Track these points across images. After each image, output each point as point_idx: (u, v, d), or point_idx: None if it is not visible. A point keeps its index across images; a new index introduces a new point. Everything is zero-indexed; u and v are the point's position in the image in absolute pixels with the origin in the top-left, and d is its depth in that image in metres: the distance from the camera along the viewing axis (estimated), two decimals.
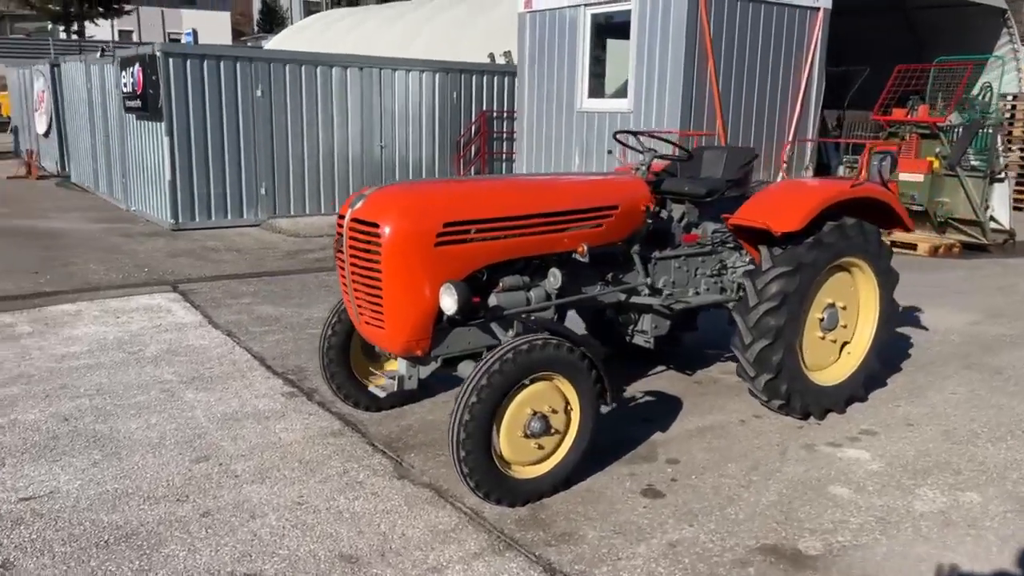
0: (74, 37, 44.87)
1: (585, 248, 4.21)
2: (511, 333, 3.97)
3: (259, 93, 11.47)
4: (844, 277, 4.90)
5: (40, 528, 3.46)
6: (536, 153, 12.36)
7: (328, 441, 4.43)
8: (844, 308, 4.91)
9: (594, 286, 4.62)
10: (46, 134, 17.94)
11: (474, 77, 13.60)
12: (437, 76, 13.16)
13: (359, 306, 3.95)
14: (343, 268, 3.97)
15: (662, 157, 5.01)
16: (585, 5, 11.23)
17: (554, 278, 4.24)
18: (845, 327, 4.96)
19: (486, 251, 3.94)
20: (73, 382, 5.26)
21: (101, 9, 47.31)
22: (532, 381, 3.68)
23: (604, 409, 4.14)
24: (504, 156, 13.91)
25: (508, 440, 3.65)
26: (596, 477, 4.05)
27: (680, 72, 10.01)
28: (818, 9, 11.06)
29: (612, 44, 11.85)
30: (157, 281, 8.23)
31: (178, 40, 52.86)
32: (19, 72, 20.36)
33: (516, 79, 12.66)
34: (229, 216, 11.54)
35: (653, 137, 4.89)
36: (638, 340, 4.95)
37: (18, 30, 55.64)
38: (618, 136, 4.97)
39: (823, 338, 4.86)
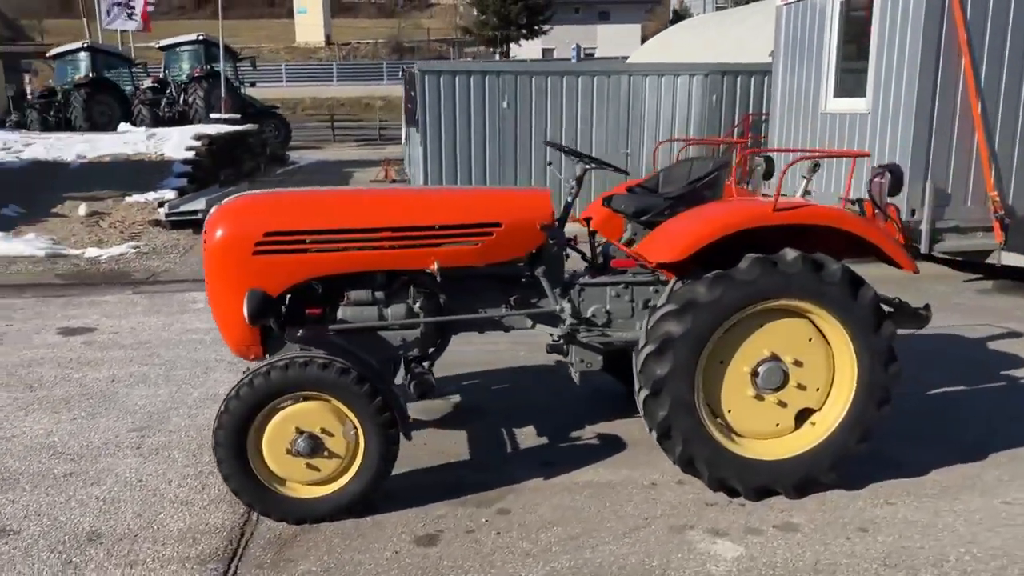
0: (498, 57, 50.74)
1: (436, 266, 3.94)
2: (291, 349, 3.89)
3: (504, 104, 12.11)
4: (798, 325, 3.81)
5: None
6: (787, 159, 11.11)
7: None
8: (798, 364, 3.82)
9: (498, 308, 4.27)
10: (406, 141, 20.88)
11: (739, 78, 12.64)
12: (695, 79, 12.52)
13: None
14: None
15: (608, 167, 4.40)
16: None
17: (411, 296, 4.06)
18: (803, 389, 3.86)
19: (317, 263, 3.92)
20: (163, 353, 6.34)
21: (524, 31, 52.61)
22: (303, 399, 3.62)
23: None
24: None
25: (273, 456, 3.63)
26: (402, 512, 3.80)
27: (916, 67, 8.25)
28: None
29: None
30: None
31: (592, 55, 56.76)
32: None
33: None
34: None
35: (575, 154, 4.31)
36: (573, 373, 4.42)
37: (466, 54, 64.65)
38: (549, 144, 4.50)
39: (760, 398, 3.84)
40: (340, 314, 4.05)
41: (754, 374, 3.81)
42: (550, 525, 3.67)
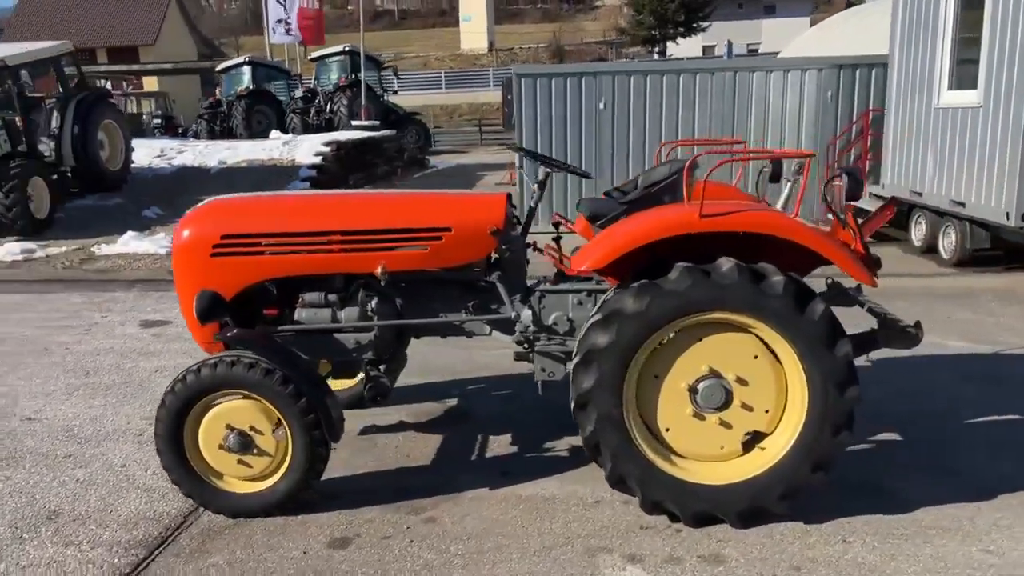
0: (656, 56, 49.97)
1: (380, 269, 3.95)
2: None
3: (602, 106, 11.91)
4: (742, 340, 3.49)
5: None
6: (900, 159, 10.23)
7: None
8: (743, 383, 3.51)
9: (458, 313, 4.23)
10: None
11: (859, 72, 11.73)
12: (808, 75, 11.75)
13: None
14: None
15: (568, 171, 4.25)
16: None
17: (362, 300, 4.10)
18: (749, 410, 3.53)
19: (271, 265, 4.03)
20: None
21: (682, 29, 51.48)
22: (241, 397, 3.73)
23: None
24: None
25: (208, 450, 3.77)
26: (335, 513, 3.84)
27: None
28: None
29: None
30: None
31: (756, 51, 54.62)
32: None
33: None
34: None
35: (538, 158, 4.18)
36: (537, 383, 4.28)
37: (624, 54, 63.91)
38: (512, 148, 4.39)
39: (701, 417, 3.56)
40: (296, 316, 4.15)
41: (693, 391, 3.54)
42: (466, 538, 3.58)
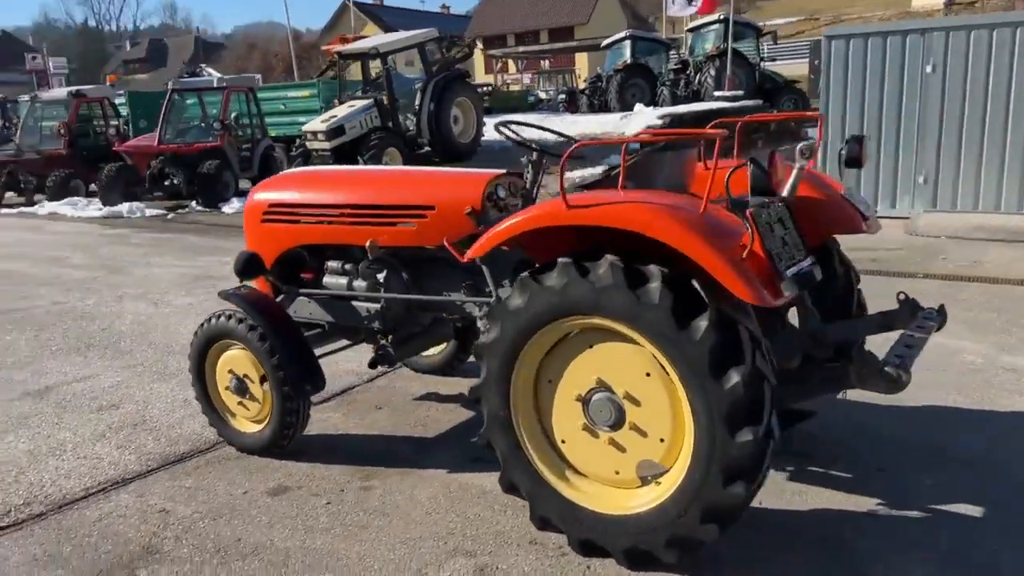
0: None
1: (369, 243, 4.09)
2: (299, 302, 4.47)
3: (929, 69, 10.07)
4: (634, 353, 2.92)
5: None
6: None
7: None
8: (634, 402, 2.95)
9: (458, 292, 4.21)
10: None
11: None
12: None
13: None
14: None
15: (546, 153, 3.91)
16: None
17: (364, 271, 4.30)
18: (643, 435, 2.96)
19: (297, 233, 4.42)
20: None
21: None
22: (240, 347, 4.21)
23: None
24: None
25: (221, 390, 4.32)
26: (312, 465, 4.14)
27: None
28: None
29: None
30: None
31: None
32: None
33: None
34: (879, 205, 10.68)
35: (522, 143, 3.88)
36: None
37: None
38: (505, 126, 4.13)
39: (594, 434, 3.08)
40: (324, 280, 4.50)
41: (584, 402, 3.10)
42: (371, 512, 3.62)
